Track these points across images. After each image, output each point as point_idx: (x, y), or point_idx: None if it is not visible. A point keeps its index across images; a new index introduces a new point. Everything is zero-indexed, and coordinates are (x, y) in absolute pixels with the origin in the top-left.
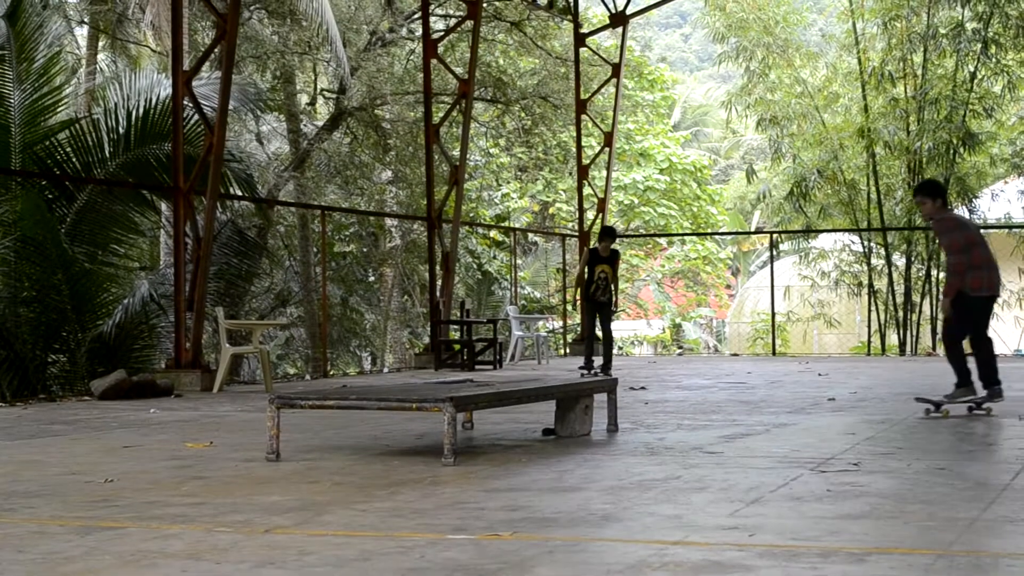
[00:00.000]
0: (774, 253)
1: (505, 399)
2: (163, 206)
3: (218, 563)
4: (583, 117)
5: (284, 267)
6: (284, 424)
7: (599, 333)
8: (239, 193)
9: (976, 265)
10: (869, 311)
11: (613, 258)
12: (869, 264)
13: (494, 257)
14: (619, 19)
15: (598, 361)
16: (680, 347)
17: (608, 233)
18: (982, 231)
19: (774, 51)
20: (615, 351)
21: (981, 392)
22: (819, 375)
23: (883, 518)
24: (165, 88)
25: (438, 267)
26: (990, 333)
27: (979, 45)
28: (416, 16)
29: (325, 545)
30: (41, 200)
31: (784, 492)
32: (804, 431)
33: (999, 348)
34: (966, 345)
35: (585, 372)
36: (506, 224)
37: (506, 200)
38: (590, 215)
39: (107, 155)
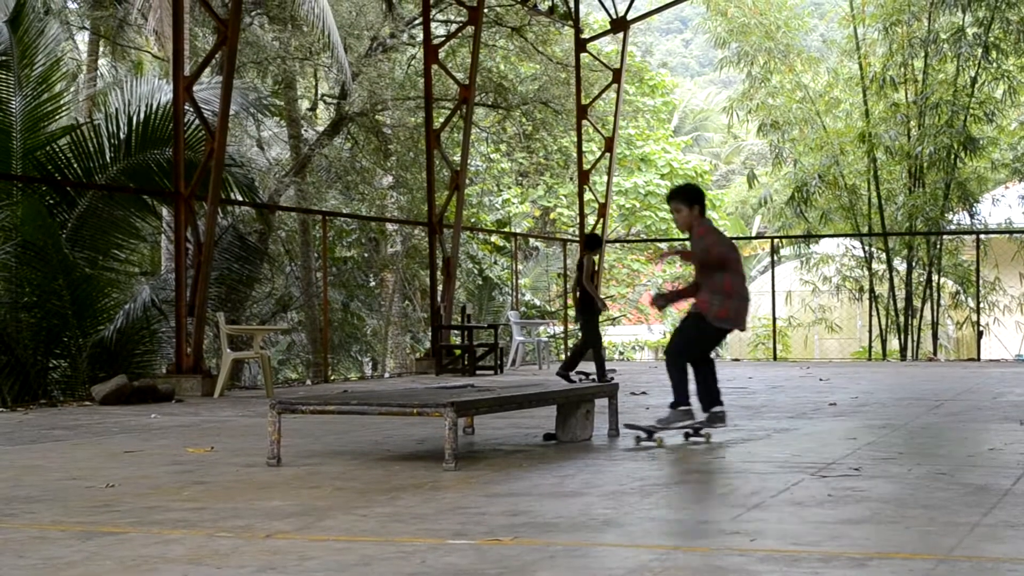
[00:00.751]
0: (775, 258)
1: (506, 404)
2: (164, 211)
3: (219, 568)
4: (584, 122)
5: (285, 272)
6: (285, 429)
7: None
8: (240, 198)
9: (728, 294)
10: (870, 316)
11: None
12: (870, 269)
13: (495, 262)
14: (620, 24)
15: (585, 367)
16: None
17: (596, 241)
18: (987, 234)
19: (775, 56)
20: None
21: (700, 416)
22: (820, 380)
23: (884, 523)
24: (166, 93)
25: (439, 272)
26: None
27: (980, 50)
28: (417, 22)
29: (326, 550)
30: (42, 205)
31: (785, 497)
32: (805, 436)
33: (1002, 353)
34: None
35: (583, 377)
36: (507, 229)
37: (507, 205)
38: (591, 220)
39: (108, 160)
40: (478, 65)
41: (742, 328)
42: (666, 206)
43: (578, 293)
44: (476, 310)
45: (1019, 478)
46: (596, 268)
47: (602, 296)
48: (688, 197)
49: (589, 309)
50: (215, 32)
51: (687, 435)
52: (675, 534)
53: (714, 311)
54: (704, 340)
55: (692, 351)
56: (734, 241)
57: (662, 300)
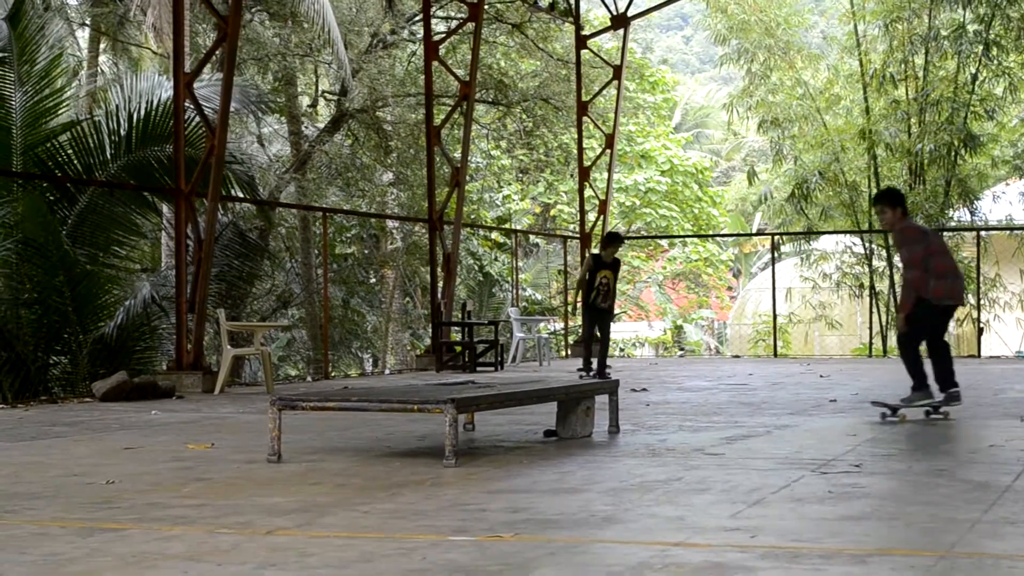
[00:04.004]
0: (775, 255)
1: (506, 401)
2: (164, 208)
3: (219, 564)
4: (584, 119)
5: (285, 269)
6: (285, 426)
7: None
8: (240, 195)
9: (940, 274)
10: (871, 313)
11: (616, 265)
12: (870, 266)
13: (495, 259)
14: (620, 21)
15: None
16: (681, 349)
17: (615, 239)
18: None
19: (776, 53)
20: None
21: (938, 396)
22: (820, 377)
23: (884, 520)
24: (166, 90)
25: (439, 269)
26: (946, 338)
27: (980, 47)
28: (417, 18)
29: (327, 547)
30: (43, 202)
31: (786, 493)
32: (806, 433)
33: (1001, 349)
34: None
35: (584, 374)
36: (507, 226)
37: (507, 202)
38: (591, 217)
39: (108, 157)
40: (478, 62)
41: (961, 302)
42: (666, 203)
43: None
44: (476, 307)
45: (1019, 474)
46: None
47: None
48: (892, 200)
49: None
50: (215, 29)
51: (927, 413)
52: (675, 530)
53: (931, 291)
54: (930, 322)
55: (922, 335)
56: (919, 232)
57: (904, 317)
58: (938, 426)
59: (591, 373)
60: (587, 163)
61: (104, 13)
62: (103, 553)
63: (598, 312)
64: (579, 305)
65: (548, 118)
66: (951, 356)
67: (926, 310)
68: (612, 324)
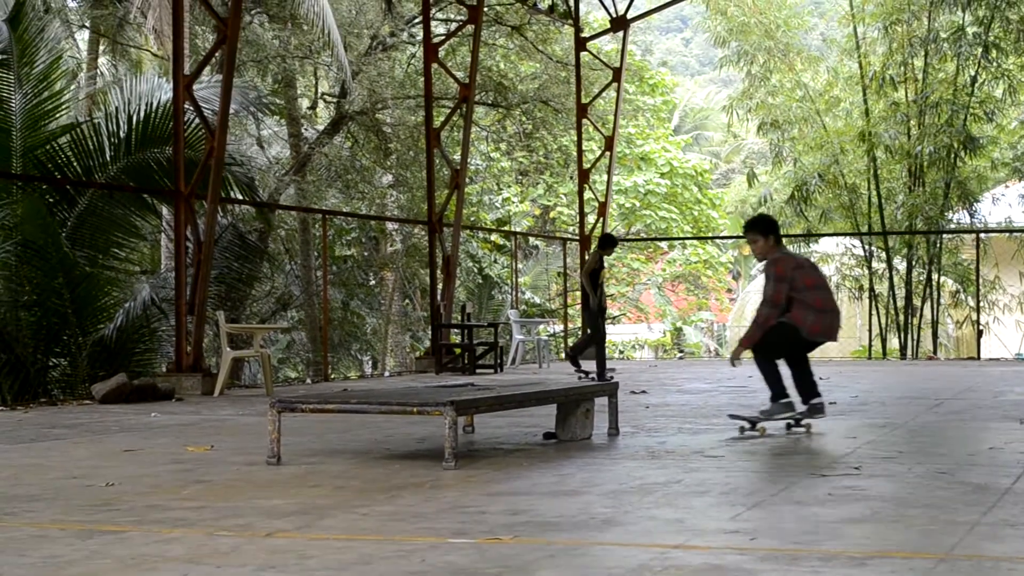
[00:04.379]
0: None
1: (506, 403)
2: (164, 210)
3: (219, 567)
4: (584, 121)
5: (285, 271)
6: (285, 428)
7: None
8: (240, 197)
9: (819, 310)
10: (870, 315)
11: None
12: (870, 268)
13: (495, 261)
14: (620, 23)
15: (586, 365)
16: (681, 351)
17: (615, 242)
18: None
19: (775, 55)
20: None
21: (800, 407)
22: (820, 379)
23: (884, 522)
24: (166, 92)
25: (439, 271)
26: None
27: (980, 49)
28: (417, 20)
29: (326, 549)
30: (42, 204)
31: (785, 496)
32: (805, 435)
33: (1002, 351)
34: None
35: (583, 375)
36: (507, 228)
37: (507, 204)
38: (591, 219)
39: (108, 159)
40: (478, 64)
41: (834, 339)
42: (666, 205)
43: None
44: (476, 309)
45: (1019, 477)
46: (599, 266)
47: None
48: (764, 228)
49: (588, 306)
50: (215, 31)
51: (788, 426)
52: (675, 533)
53: (808, 325)
54: (797, 347)
55: (781, 353)
56: (798, 261)
57: (739, 353)
58: (938, 428)
59: (589, 375)
60: (587, 165)
61: (104, 15)
62: (102, 555)
63: (600, 312)
64: (579, 305)
65: (548, 120)
66: (810, 367)
67: (796, 338)
68: (613, 326)
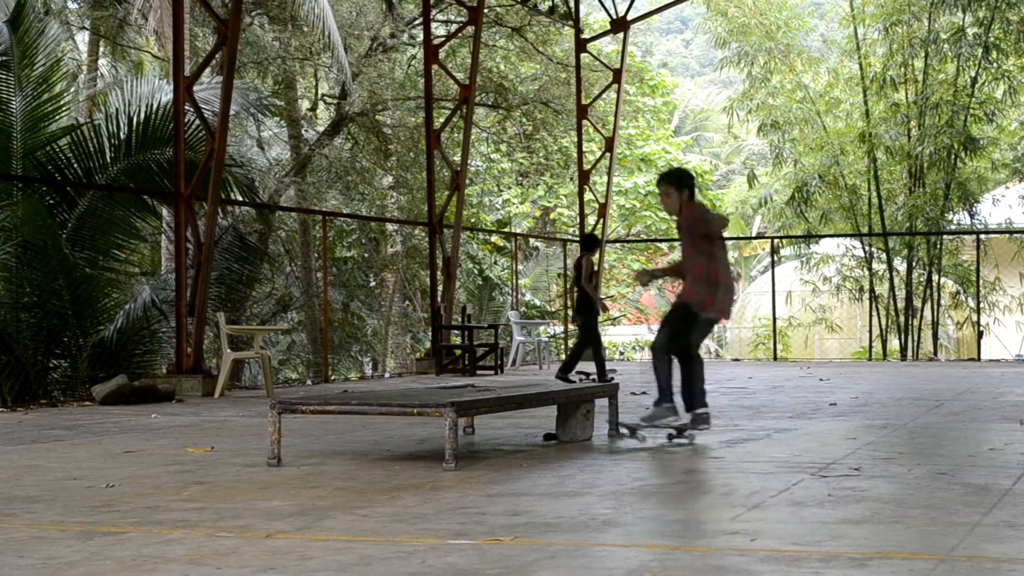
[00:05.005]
0: (775, 258)
1: (506, 404)
2: (164, 211)
3: (219, 568)
4: (584, 122)
5: (285, 272)
6: (285, 429)
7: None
8: (240, 198)
9: (712, 282)
10: (870, 316)
11: None
12: (870, 269)
13: (495, 262)
14: (620, 25)
15: (585, 366)
16: None
17: (598, 241)
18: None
19: (776, 56)
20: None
21: (684, 416)
22: (820, 380)
23: (884, 523)
24: (166, 93)
25: (439, 272)
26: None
27: (980, 50)
28: (417, 22)
29: (326, 550)
30: (42, 205)
31: (785, 497)
32: (805, 436)
33: (1002, 353)
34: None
35: (583, 376)
36: (507, 229)
37: (507, 205)
38: (591, 220)
39: (108, 160)
40: (478, 65)
41: (727, 316)
42: None
43: (576, 294)
44: (476, 310)
45: (1019, 478)
46: (595, 268)
47: (602, 296)
48: (678, 181)
49: (588, 310)
50: (215, 32)
51: (670, 436)
52: (675, 534)
53: (699, 300)
54: (690, 331)
55: (679, 344)
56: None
57: (646, 276)
58: (938, 429)
59: (590, 377)
60: (587, 166)
61: (104, 17)
62: (103, 556)
63: (597, 315)
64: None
65: (548, 121)
66: (703, 373)
67: (686, 315)
68: (614, 327)
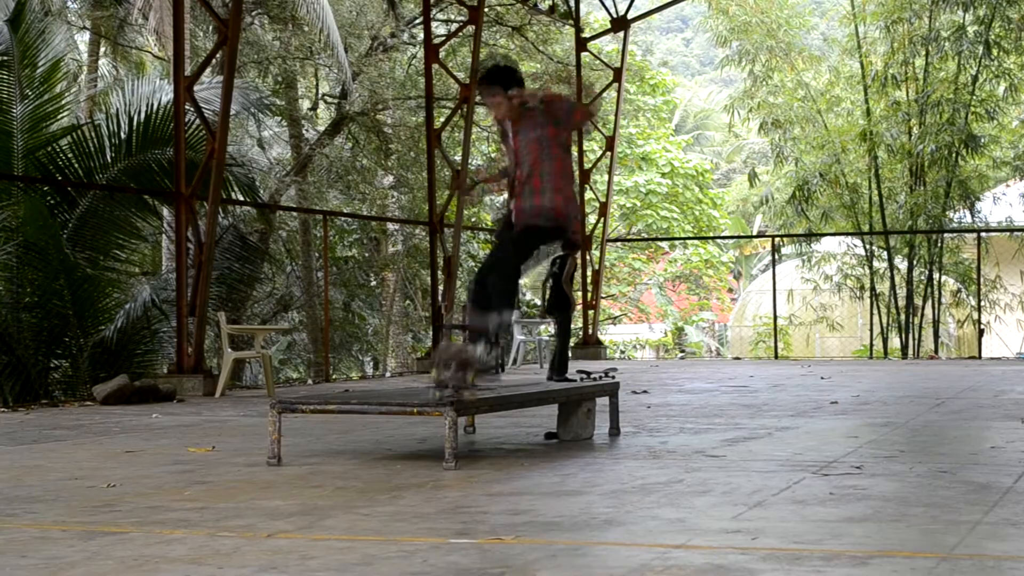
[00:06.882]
0: (776, 257)
1: (507, 403)
2: (165, 211)
3: (220, 568)
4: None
5: (286, 272)
6: (286, 429)
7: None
8: (241, 198)
9: (536, 189)
10: (871, 314)
11: None
12: (871, 267)
13: None
14: (620, 24)
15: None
16: (682, 351)
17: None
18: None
19: (776, 54)
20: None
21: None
22: (821, 379)
23: (885, 521)
24: (167, 93)
25: (440, 272)
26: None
27: (981, 48)
28: (418, 21)
29: (327, 550)
30: (43, 205)
31: (787, 495)
32: (806, 434)
33: (1003, 351)
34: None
35: (585, 376)
36: None
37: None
38: (592, 219)
39: (109, 160)
40: (479, 64)
41: (562, 237)
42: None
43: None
44: None
45: (1021, 476)
46: (576, 268)
47: (602, 296)
48: (503, 79)
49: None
50: (216, 32)
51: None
52: (676, 532)
53: (527, 214)
54: (515, 252)
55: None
56: None
57: (469, 187)
58: (939, 427)
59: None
60: (588, 165)
61: (104, 16)
62: (104, 556)
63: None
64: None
65: None
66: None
67: (512, 236)
68: (614, 326)
